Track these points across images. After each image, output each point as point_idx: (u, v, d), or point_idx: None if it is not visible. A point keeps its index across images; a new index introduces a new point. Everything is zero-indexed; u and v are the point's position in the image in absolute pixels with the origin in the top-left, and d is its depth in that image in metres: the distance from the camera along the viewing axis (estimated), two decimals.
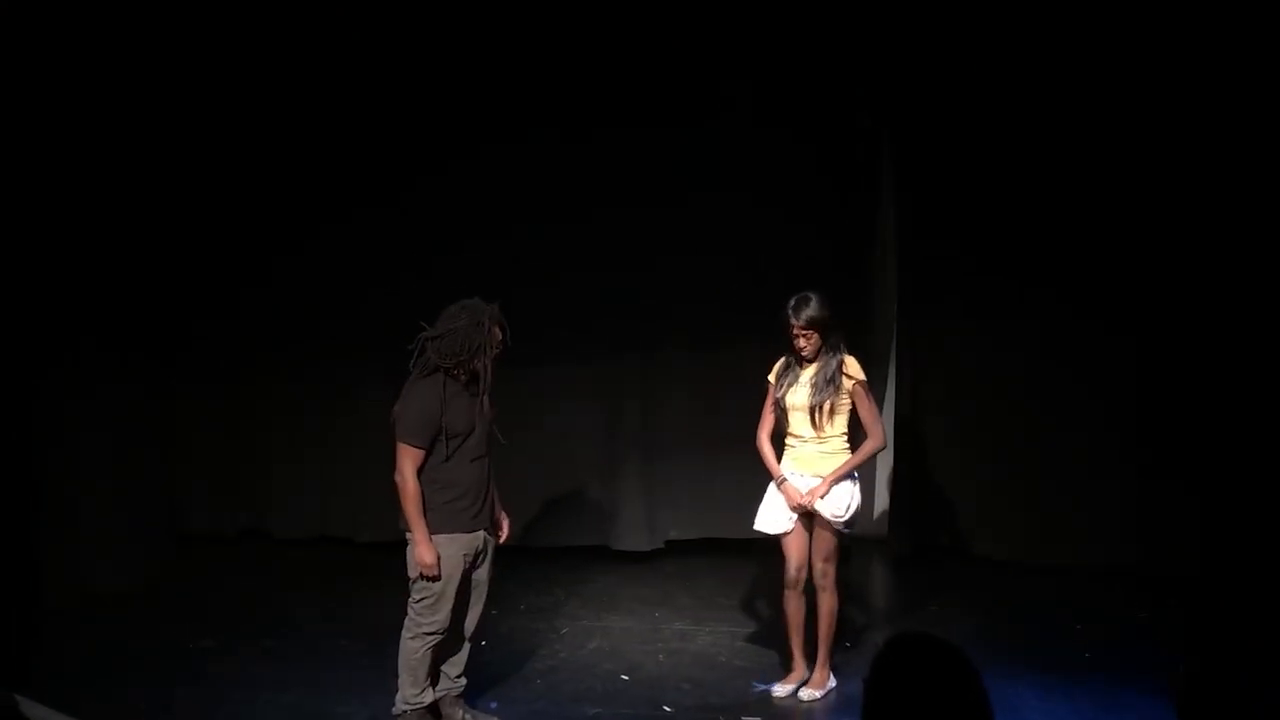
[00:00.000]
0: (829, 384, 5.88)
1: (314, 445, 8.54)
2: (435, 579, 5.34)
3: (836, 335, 5.92)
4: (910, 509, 8.25)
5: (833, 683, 6.13)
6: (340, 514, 8.55)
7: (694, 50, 7.85)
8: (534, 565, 7.99)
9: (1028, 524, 7.98)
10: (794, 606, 6.12)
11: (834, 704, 6.02)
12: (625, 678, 6.38)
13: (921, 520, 8.25)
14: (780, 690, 6.13)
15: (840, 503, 5.93)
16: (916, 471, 8.25)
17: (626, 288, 8.05)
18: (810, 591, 6.09)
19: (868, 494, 8.39)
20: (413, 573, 5.40)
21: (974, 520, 8.16)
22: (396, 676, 5.52)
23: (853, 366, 5.93)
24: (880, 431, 6.03)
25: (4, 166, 5.91)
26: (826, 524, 5.94)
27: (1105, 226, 7.72)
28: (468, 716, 5.61)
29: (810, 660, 6.15)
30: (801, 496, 5.93)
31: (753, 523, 6.12)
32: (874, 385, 8.37)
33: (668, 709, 5.98)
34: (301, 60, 7.91)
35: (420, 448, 5.26)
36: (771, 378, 6.08)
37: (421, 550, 5.32)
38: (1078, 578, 7.64)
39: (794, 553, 6.04)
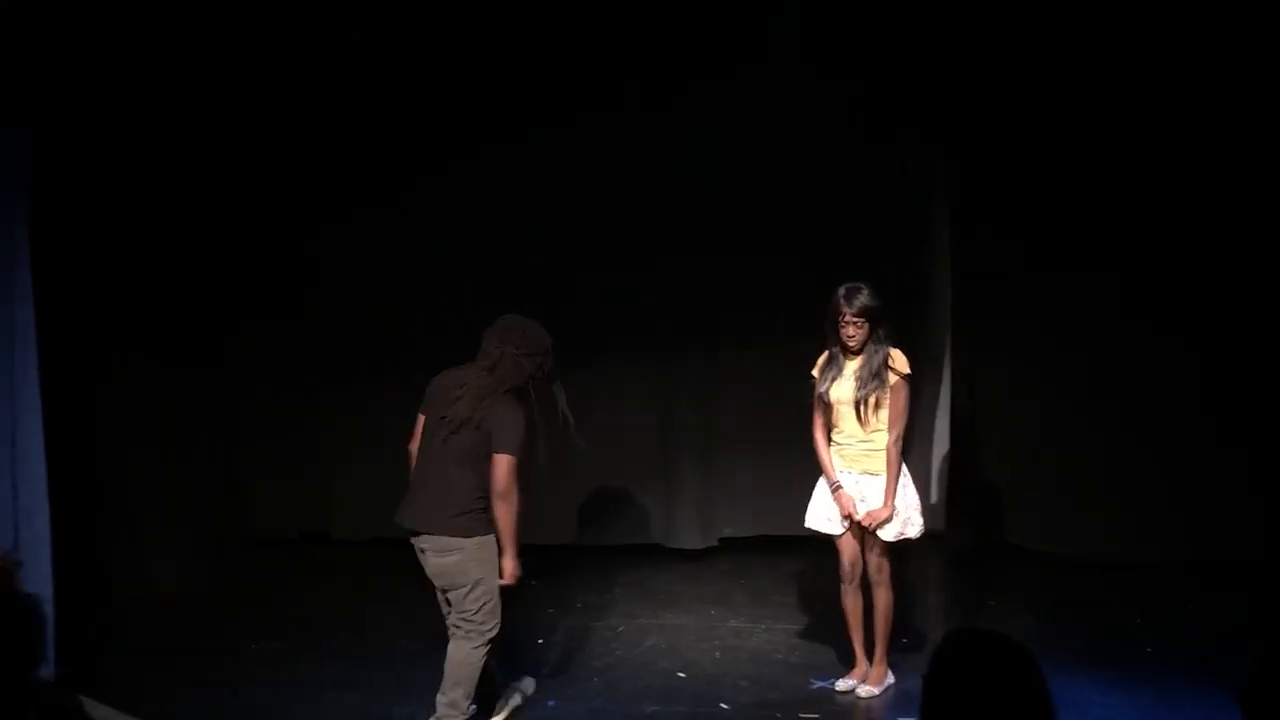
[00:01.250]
0: (875, 378, 5.82)
1: (370, 446, 8.57)
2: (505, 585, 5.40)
3: (885, 327, 5.87)
4: (968, 505, 8.19)
5: (891, 679, 6.10)
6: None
7: (744, 47, 7.82)
8: (590, 564, 8.04)
9: (1087, 520, 7.90)
10: (851, 602, 6.09)
11: (893, 700, 6.01)
12: (682, 675, 6.39)
13: (979, 517, 8.18)
14: (842, 685, 6.11)
15: (895, 528, 5.89)
16: (974, 468, 8.19)
17: (681, 286, 8.04)
18: (867, 587, 6.07)
19: (923, 491, 8.40)
20: (469, 579, 5.39)
21: (1032, 516, 8.09)
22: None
23: (899, 360, 5.87)
24: (898, 433, 5.89)
25: (49, 180, 5.98)
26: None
27: (1165, 222, 7.62)
28: None
29: (871, 656, 6.12)
30: (856, 512, 5.90)
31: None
32: (930, 383, 8.39)
33: (725, 706, 5.99)
34: (342, 66, 7.95)
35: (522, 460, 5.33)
36: (815, 373, 6.04)
37: (515, 561, 5.43)
38: (1137, 573, 7.56)
39: (847, 549, 6.02)
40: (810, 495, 6.14)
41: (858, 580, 6.05)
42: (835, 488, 5.97)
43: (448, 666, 5.47)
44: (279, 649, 6.72)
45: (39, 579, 5.70)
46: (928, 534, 8.18)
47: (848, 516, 5.94)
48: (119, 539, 7.35)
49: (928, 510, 8.28)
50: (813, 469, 6.13)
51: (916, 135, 8.01)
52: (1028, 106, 7.75)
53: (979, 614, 7.18)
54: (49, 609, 5.73)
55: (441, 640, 5.59)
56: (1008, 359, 8.10)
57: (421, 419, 5.62)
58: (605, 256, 8.06)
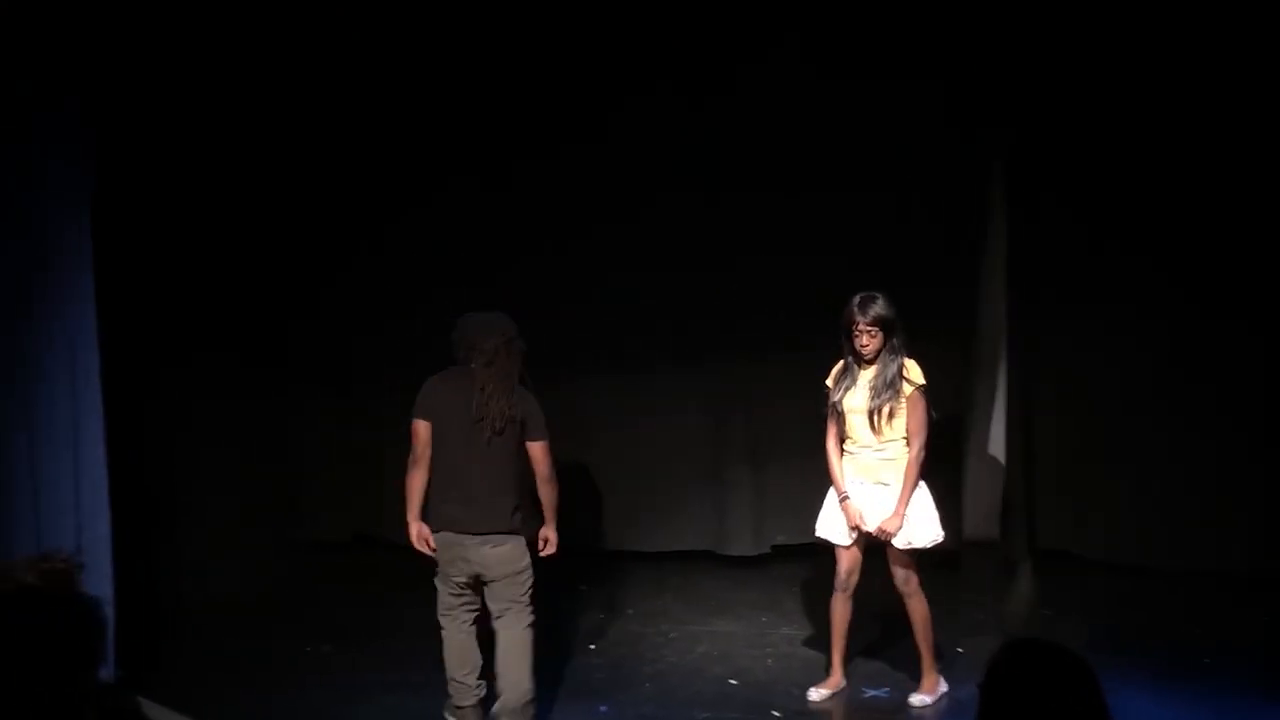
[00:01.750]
0: (889, 387, 5.80)
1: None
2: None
3: (899, 337, 5.84)
4: (1023, 512, 8.11)
5: (944, 687, 6.06)
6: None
7: (802, 42, 7.79)
8: (642, 570, 8.03)
9: (1145, 527, 7.78)
10: (840, 611, 6.06)
11: (946, 709, 5.96)
12: (734, 682, 6.38)
13: (1035, 523, 8.11)
14: (816, 695, 6.07)
15: (904, 536, 5.86)
16: (1029, 474, 8.11)
17: (733, 290, 7.99)
18: (856, 600, 6.09)
19: (978, 495, 8.35)
20: (520, 565, 5.58)
21: (1088, 523, 7.98)
22: (499, 675, 5.59)
23: (914, 370, 5.85)
24: (921, 443, 5.84)
25: (108, 181, 6.04)
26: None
27: (1230, 223, 7.47)
28: None
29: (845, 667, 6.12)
30: (864, 523, 5.88)
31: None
32: (984, 387, 8.33)
33: (777, 714, 5.98)
34: (407, 63, 7.98)
35: None
36: (829, 382, 6.01)
37: (556, 533, 5.76)
38: (1197, 581, 7.44)
39: (845, 558, 6.01)
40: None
41: (852, 589, 6.02)
42: (843, 499, 5.95)
43: (510, 653, 5.60)
44: (331, 652, 6.76)
45: (100, 581, 5.76)
46: (983, 541, 8.23)
47: (855, 528, 5.92)
48: (176, 542, 7.42)
49: (984, 518, 8.29)
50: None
51: (973, 135, 7.95)
52: (1088, 103, 7.63)
53: (1034, 623, 7.11)
54: (110, 611, 5.83)
55: (490, 644, 5.60)
56: (1061, 361, 8.00)
57: (426, 426, 5.69)
58: (654, 258, 8.03)
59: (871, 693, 6.19)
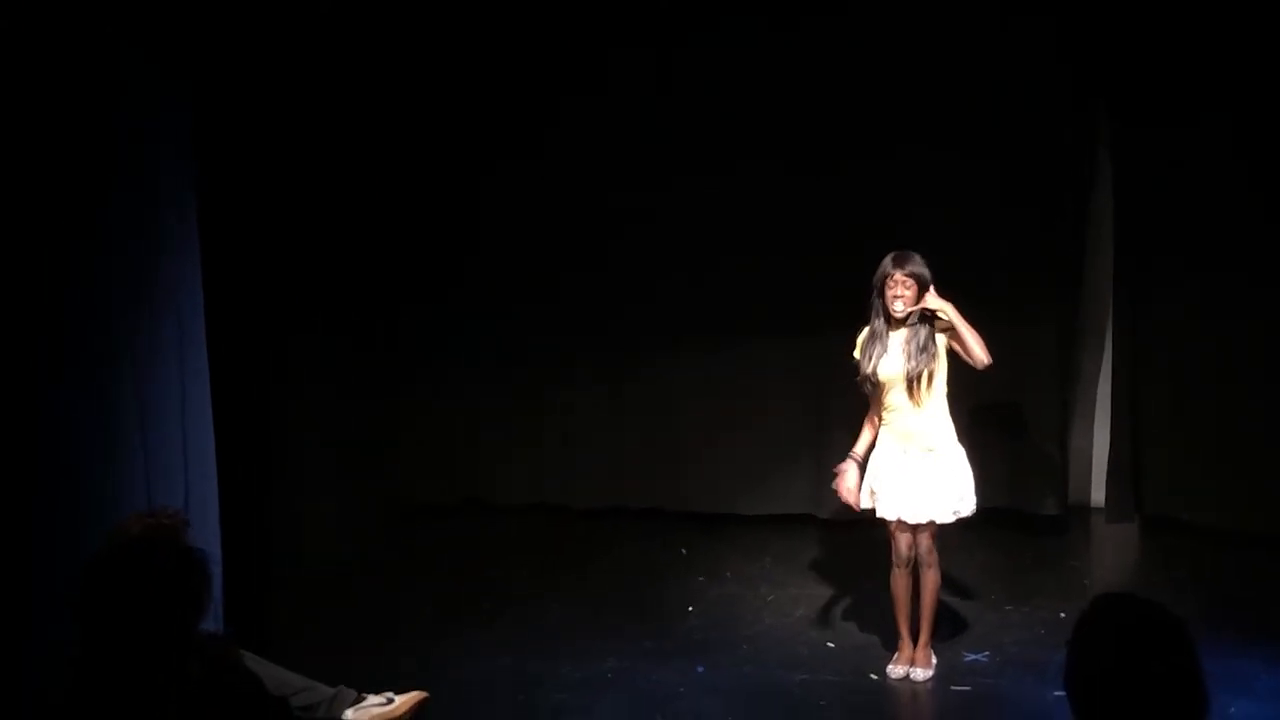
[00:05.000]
0: (923, 351, 5.70)
1: (528, 413, 8.68)
2: None
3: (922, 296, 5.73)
4: (1130, 477, 7.96)
5: (935, 660, 6.00)
6: (556, 481, 8.71)
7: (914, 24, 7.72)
8: (742, 533, 8.03)
9: (1253, 493, 7.59)
10: (901, 585, 5.98)
11: (1037, 667, 5.89)
12: (831, 645, 6.37)
13: (1141, 489, 7.96)
14: (896, 672, 5.97)
15: (950, 506, 5.81)
16: (1136, 439, 7.95)
17: (830, 253, 7.88)
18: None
19: (1084, 460, 8.23)
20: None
21: (1196, 489, 7.79)
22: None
23: (938, 303, 5.70)
24: (980, 346, 5.69)
25: (211, 159, 6.16)
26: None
27: None
28: None
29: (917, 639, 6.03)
30: (855, 504, 5.95)
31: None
32: (1091, 354, 8.17)
33: (874, 677, 5.96)
34: (503, 36, 8.07)
35: None
36: (856, 353, 5.88)
37: None
38: None
39: (900, 533, 5.93)
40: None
41: (911, 564, 5.93)
42: (849, 458, 5.92)
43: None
44: (434, 614, 6.86)
45: (208, 541, 5.89)
46: (1091, 509, 8.11)
47: (844, 505, 6.00)
48: (284, 504, 7.58)
49: (1090, 483, 8.17)
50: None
51: (1080, 96, 7.78)
52: (1194, 72, 7.44)
53: (1143, 587, 6.97)
54: (217, 570, 6.00)
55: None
56: (1170, 327, 7.80)
57: None
58: (747, 226, 8.00)
59: (972, 656, 6.13)
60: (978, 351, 5.68)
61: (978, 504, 5.96)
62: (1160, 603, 2.51)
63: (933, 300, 5.68)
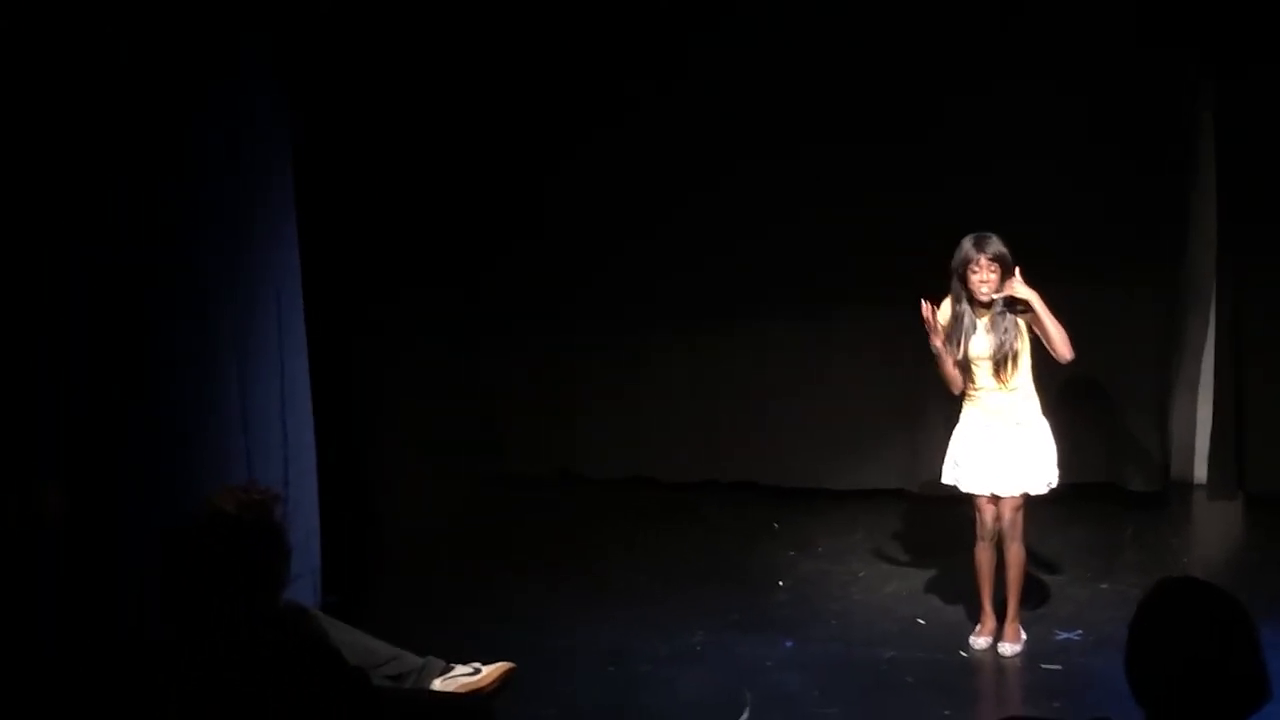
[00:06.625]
0: (1009, 333, 5.65)
1: (625, 384, 8.73)
2: None
3: (1009, 280, 5.63)
4: (1233, 453, 7.80)
5: (1024, 635, 5.96)
6: (648, 454, 8.75)
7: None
8: (834, 508, 8.01)
9: None
10: (985, 559, 5.94)
11: (1096, 648, 5.84)
12: (921, 621, 6.34)
13: (1244, 465, 7.79)
14: (980, 644, 5.96)
15: (1044, 478, 5.76)
16: (1239, 414, 7.77)
17: (923, 222, 7.77)
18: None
19: (1185, 435, 8.06)
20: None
21: None
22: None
23: (1025, 292, 5.60)
24: (1065, 341, 5.62)
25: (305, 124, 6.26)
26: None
27: None
28: None
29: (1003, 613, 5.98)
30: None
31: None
32: (1195, 319, 7.98)
33: (964, 654, 5.93)
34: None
35: None
36: (941, 317, 5.78)
37: None
38: None
39: (985, 506, 5.88)
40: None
41: (995, 537, 5.88)
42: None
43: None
44: (527, 585, 6.95)
45: (307, 512, 6.07)
46: (1191, 485, 7.96)
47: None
48: (382, 474, 7.75)
49: (1192, 458, 8.01)
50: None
51: (1188, 46, 7.53)
52: None
53: (1239, 566, 6.87)
54: (316, 541, 6.15)
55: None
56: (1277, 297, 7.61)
57: None
58: (836, 193, 7.91)
59: (1064, 635, 6.07)
60: (1060, 346, 5.63)
61: (1074, 479, 5.91)
62: (1224, 589, 2.48)
63: (1020, 289, 5.62)
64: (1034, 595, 6.50)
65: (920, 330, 6.08)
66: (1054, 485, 5.84)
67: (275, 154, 5.97)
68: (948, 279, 5.84)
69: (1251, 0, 7.31)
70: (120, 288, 5.14)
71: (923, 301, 5.76)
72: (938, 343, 5.73)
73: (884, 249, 7.86)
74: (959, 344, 5.75)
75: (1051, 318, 5.61)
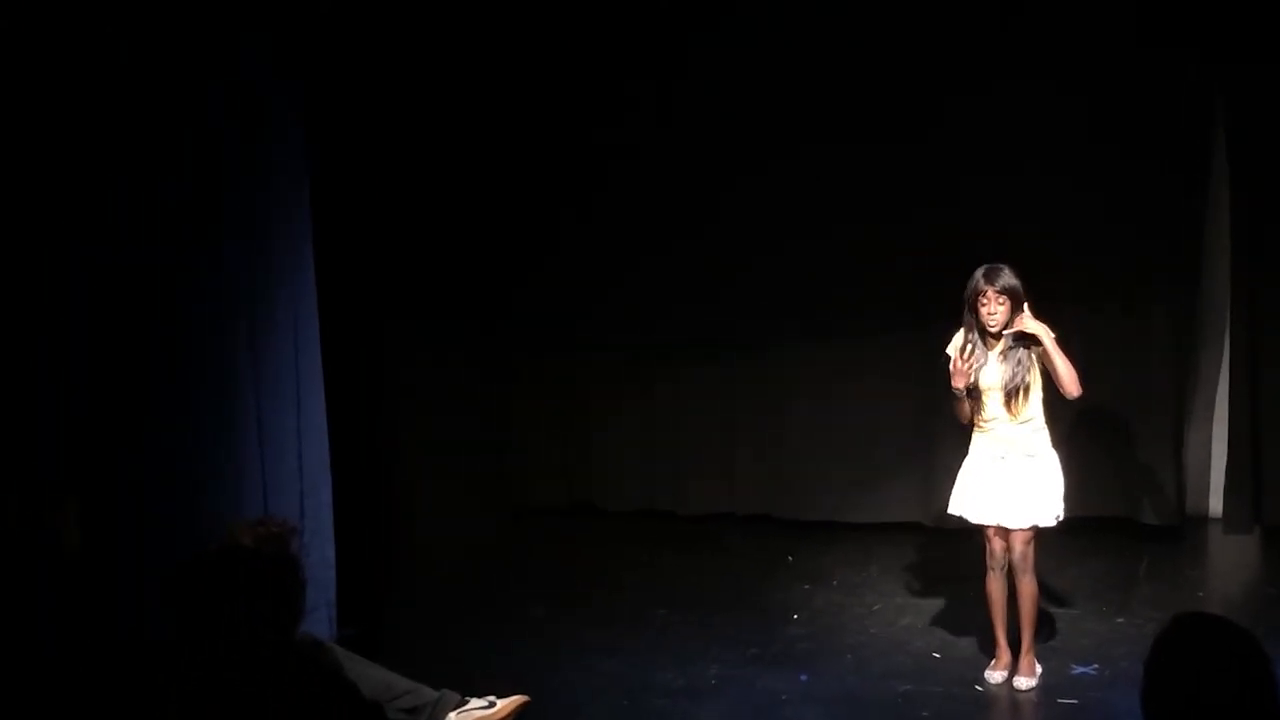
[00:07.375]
0: (1019, 365, 5.65)
1: (638, 416, 8.73)
2: None
3: (1019, 313, 5.64)
4: (1250, 485, 7.76)
5: (1039, 669, 5.92)
6: (665, 487, 8.76)
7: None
8: (848, 541, 8.01)
9: None
10: (997, 589, 5.91)
11: (1113, 682, 5.81)
12: (937, 655, 6.32)
13: (1262, 498, 7.75)
14: (995, 678, 5.92)
15: (1052, 510, 5.74)
16: (1256, 446, 7.74)
17: (937, 249, 7.77)
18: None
19: (1201, 468, 8.03)
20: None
21: None
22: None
23: (1032, 325, 5.62)
24: (1075, 380, 5.63)
25: (321, 143, 6.28)
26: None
27: None
28: None
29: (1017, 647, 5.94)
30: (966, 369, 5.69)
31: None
32: (1209, 352, 7.95)
33: (980, 688, 5.91)
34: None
35: None
36: (952, 351, 5.80)
37: None
38: None
39: (993, 536, 5.87)
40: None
41: (1006, 567, 5.86)
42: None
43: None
44: (543, 616, 6.95)
45: (323, 544, 6.08)
46: (1207, 518, 7.92)
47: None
48: (397, 505, 7.76)
49: (1207, 490, 7.98)
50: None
51: (1189, 46, 7.47)
52: None
53: (1258, 601, 6.83)
54: (332, 573, 6.15)
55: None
56: None
57: None
58: (853, 213, 7.91)
59: (1080, 669, 6.05)
60: (1068, 383, 5.64)
61: (1089, 512, 5.90)
62: (1240, 624, 2.47)
63: (1030, 323, 5.64)
64: (1049, 629, 6.48)
65: (935, 364, 6.13)
66: (1061, 518, 5.82)
67: (290, 157, 5.95)
68: (960, 304, 5.85)
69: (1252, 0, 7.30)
70: (120, 288, 5.16)
71: (949, 354, 5.80)
72: (960, 384, 5.74)
73: (893, 279, 7.88)
74: (972, 375, 5.76)
75: (1061, 354, 5.63)
